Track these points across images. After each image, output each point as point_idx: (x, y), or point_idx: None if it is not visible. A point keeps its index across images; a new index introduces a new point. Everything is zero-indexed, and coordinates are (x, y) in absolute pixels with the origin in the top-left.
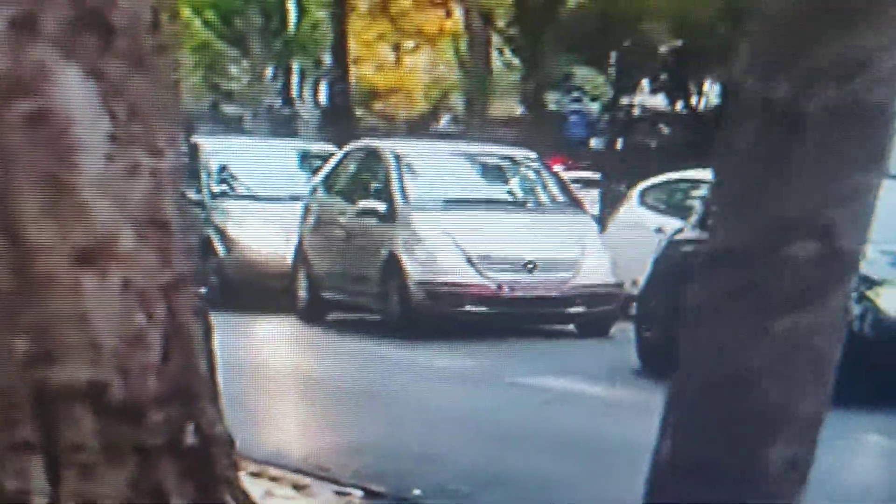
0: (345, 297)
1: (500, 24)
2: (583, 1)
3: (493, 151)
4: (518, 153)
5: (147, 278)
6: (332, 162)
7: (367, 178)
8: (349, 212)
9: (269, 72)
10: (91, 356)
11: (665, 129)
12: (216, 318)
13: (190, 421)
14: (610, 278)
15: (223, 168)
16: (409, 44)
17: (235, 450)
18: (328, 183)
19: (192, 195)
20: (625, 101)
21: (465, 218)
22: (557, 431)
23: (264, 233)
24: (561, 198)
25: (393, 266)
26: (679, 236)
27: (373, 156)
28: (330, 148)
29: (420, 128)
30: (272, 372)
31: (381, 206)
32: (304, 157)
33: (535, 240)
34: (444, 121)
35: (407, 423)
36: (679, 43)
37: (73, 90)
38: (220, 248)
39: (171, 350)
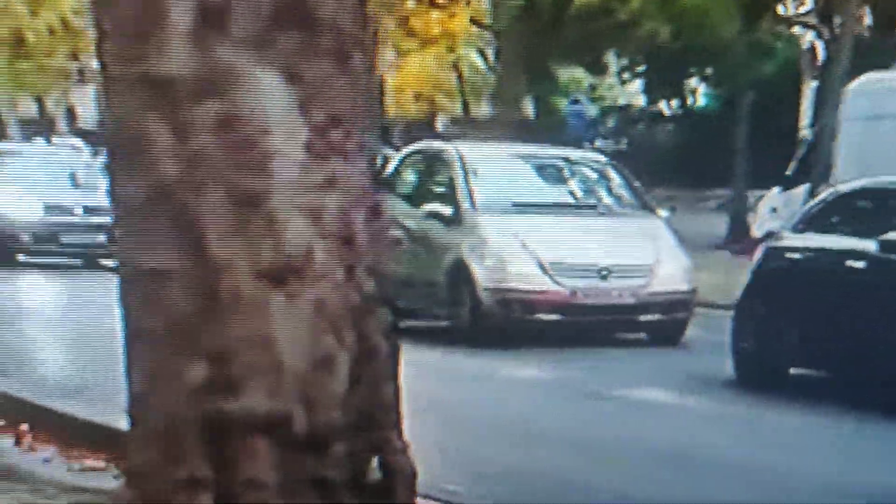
0: (408, 304)
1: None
2: (584, 3)
3: (561, 153)
4: (586, 155)
5: (338, 298)
6: (391, 163)
7: (430, 180)
8: (412, 215)
9: None
10: (274, 384)
11: (665, 129)
12: None
13: (374, 453)
14: (685, 285)
15: None
16: (412, 45)
17: (417, 481)
18: (388, 185)
19: None
20: (623, 101)
21: (535, 222)
22: (658, 446)
23: None
24: (631, 201)
25: (460, 272)
26: (779, 243)
27: (436, 157)
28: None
29: (420, 129)
30: None
31: (446, 210)
32: None
33: (608, 245)
34: (440, 123)
35: (504, 439)
36: (676, 44)
37: (268, 95)
38: None
39: (359, 376)
